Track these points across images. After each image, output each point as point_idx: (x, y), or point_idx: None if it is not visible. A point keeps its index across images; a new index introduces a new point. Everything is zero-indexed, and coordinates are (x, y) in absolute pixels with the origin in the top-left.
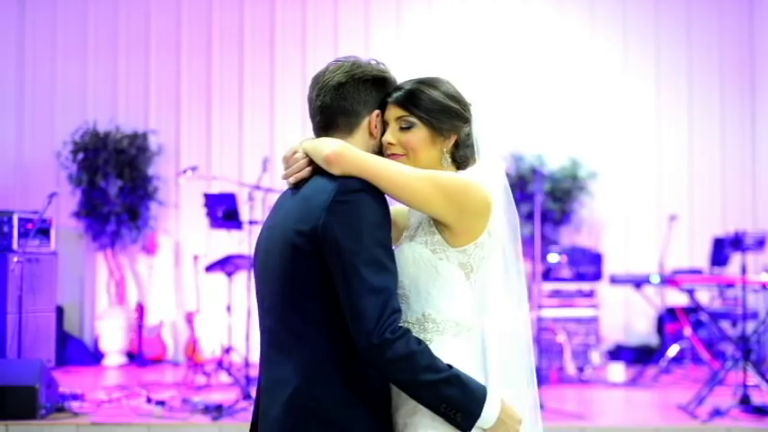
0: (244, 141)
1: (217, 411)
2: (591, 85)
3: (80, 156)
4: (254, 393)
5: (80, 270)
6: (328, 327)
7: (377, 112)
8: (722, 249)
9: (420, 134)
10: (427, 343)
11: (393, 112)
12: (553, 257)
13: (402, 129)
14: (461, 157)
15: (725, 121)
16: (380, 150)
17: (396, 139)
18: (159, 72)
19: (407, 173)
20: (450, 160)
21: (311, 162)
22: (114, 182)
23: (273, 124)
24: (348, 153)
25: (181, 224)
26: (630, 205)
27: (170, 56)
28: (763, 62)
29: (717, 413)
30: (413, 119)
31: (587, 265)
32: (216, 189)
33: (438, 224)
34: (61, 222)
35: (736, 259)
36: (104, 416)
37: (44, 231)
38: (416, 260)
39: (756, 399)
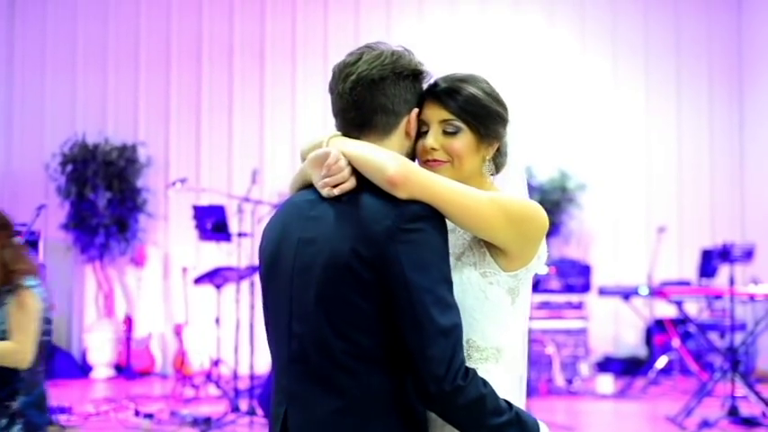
0: (233, 153)
1: (205, 424)
2: (580, 97)
3: (69, 168)
4: (242, 406)
5: (68, 282)
6: (383, 362)
7: (416, 111)
8: (710, 261)
9: (467, 140)
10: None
11: (437, 114)
12: (542, 269)
13: (447, 133)
14: (500, 164)
15: (713, 134)
16: (413, 153)
17: (439, 145)
18: (148, 84)
19: (475, 197)
20: (491, 167)
21: (354, 171)
22: (103, 194)
23: (263, 136)
24: (415, 176)
25: (170, 236)
26: (619, 217)
27: (159, 68)
28: (752, 75)
29: (705, 424)
30: (460, 123)
31: (576, 276)
32: (205, 201)
33: (491, 247)
34: (49, 234)
35: (724, 271)
36: (92, 429)
37: (32, 243)
38: (463, 283)
39: (744, 410)
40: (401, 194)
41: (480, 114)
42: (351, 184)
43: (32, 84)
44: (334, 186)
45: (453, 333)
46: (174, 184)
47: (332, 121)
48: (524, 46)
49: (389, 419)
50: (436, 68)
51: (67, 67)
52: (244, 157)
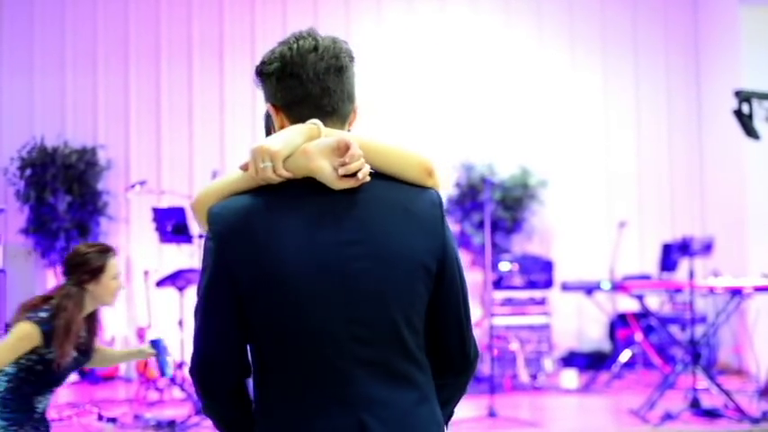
0: (194, 155)
1: (169, 427)
2: (539, 94)
3: (28, 172)
4: None
5: (30, 287)
6: (424, 344)
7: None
8: (670, 255)
9: None
10: None
11: None
12: (505, 266)
13: None
14: None
15: (672, 129)
16: None
17: None
18: (107, 86)
19: None
20: None
21: None
22: (63, 197)
23: (223, 138)
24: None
25: (131, 239)
26: (581, 213)
27: (118, 70)
28: (709, 70)
29: (668, 417)
30: None
31: (539, 272)
32: (166, 203)
33: None
34: (9, 239)
35: (684, 264)
36: None
37: None
38: None
39: (706, 402)
40: (432, 183)
41: None
42: (368, 170)
43: None
44: (352, 175)
45: None
46: (133, 186)
47: None
48: (482, 45)
49: (435, 400)
50: (395, 67)
51: (24, 70)
52: (204, 158)
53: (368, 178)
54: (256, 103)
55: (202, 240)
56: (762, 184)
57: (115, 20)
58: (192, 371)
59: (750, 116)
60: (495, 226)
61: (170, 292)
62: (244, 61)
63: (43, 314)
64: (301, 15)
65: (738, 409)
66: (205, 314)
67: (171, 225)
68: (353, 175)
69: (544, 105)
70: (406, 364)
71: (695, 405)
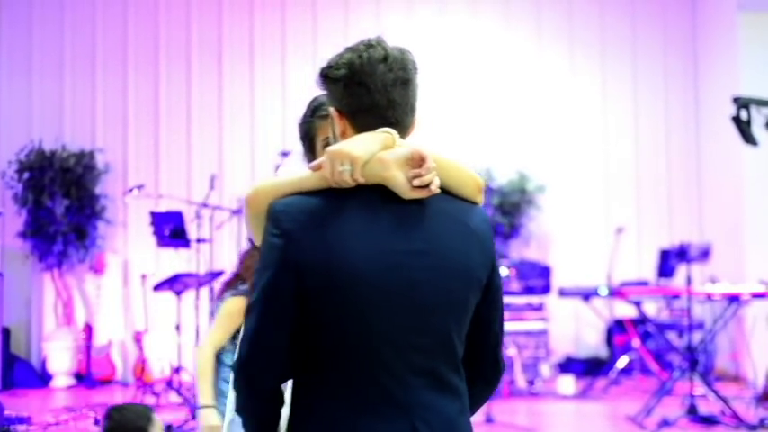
0: (191, 159)
1: (166, 431)
2: (538, 99)
3: (26, 175)
4: None
5: (26, 291)
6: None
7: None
8: (668, 261)
9: None
10: None
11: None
12: (502, 271)
13: None
14: None
15: (670, 135)
16: None
17: None
18: (105, 90)
19: None
20: None
21: None
22: (61, 201)
23: (221, 142)
24: None
25: (129, 243)
26: (578, 218)
27: (116, 73)
28: (707, 76)
29: (665, 423)
30: None
31: (536, 278)
32: (164, 207)
33: None
34: (7, 243)
35: (682, 271)
36: None
37: None
38: None
39: (703, 408)
40: (480, 200)
41: None
42: (438, 183)
43: None
44: (425, 187)
45: None
46: (131, 190)
47: (289, 125)
48: (481, 49)
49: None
50: None
51: (23, 73)
52: (202, 162)
53: (438, 191)
54: (254, 106)
55: (200, 245)
56: (759, 190)
57: (114, 23)
58: (241, 367)
59: (748, 123)
60: (493, 231)
61: (167, 296)
62: (242, 65)
63: (243, 287)
64: (300, 19)
65: (735, 416)
66: (263, 311)
67: (169, 229)
68: (425, 186)
69: (542, 110)
70: (452, 374)
71: (692, 411)
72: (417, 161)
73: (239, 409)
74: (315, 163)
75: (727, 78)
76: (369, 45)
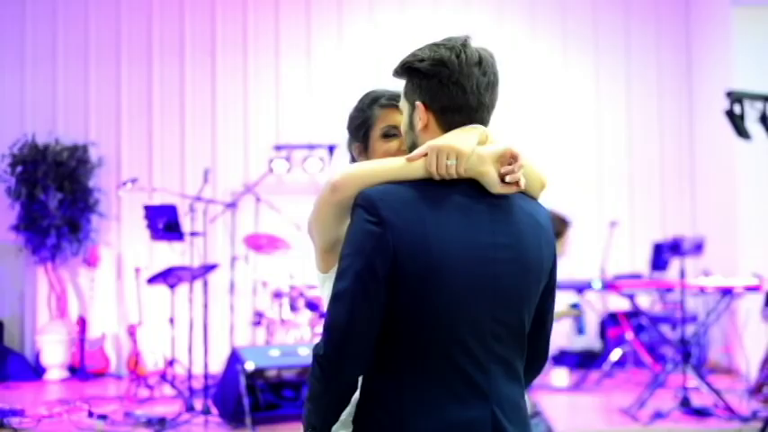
0: (185, 153)
1: (160, 424)
2: (531, 93)
3: (19, 169)
4: (197, 406)
5: (20, 284)
6: None
7: None
8: (661, 254)
9: None
10: None
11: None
12: None
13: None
14: None
15: (663, 129)
16: None
17: None
18: (99, 83)
19: None
20: None
21: None
22: (54, 195)
23: (215, 135)
24: None
25: (122, 236)
26: (572, 212)
27: (109, 67)
28: (700, 70)
29: (658, 416)
30: None
31: None
32: (157, 201)
33: None
34: (0, 236)
35: (675, 264)
36: (45, 431)
37: None
38: None
39: (696, 401)
40: (540, 198)
41: None
42: (524, 181)
43: None
44: (514, 183)
45: None
46: (124, 183)
47: (282, 119)
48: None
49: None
50: (387, 68)
51: (16, 67)
52: (196, 156)
53: (524, 188)
54: (248, 100)
55: (194, 238)
56: (753, 183)
57: (107, 17)
58: (327, 355)
59: (742, 117)
60: None
61: (161, 289)
62: (236, 58)
63: None
64: (294, 15)
65: (728, 408)
66: (355, 298)
67: (162, 222)
68: (514, 183)
69: (536, 104)
70: (519, 363)
71: (685, 404)
72: (508, 158)
73: (314, 398)
74: (413, 154)
75: (720, 72)
76: (464, 44)
